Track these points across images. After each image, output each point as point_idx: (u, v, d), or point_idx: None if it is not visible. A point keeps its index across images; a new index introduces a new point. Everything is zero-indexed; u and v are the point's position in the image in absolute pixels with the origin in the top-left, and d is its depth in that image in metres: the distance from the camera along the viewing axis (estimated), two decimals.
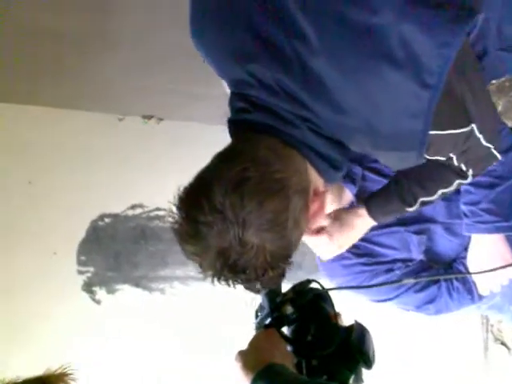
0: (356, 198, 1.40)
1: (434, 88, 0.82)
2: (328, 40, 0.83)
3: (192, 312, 2.35)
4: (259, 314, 1.05)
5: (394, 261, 1.42)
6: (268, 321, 1.00)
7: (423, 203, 1.17)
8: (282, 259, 0.89)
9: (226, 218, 0.82)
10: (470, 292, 1.40)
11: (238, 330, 2.33)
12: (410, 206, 1.18)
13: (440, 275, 1.40)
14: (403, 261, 1.42)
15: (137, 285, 2.30)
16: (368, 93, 0.84)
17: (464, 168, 1.04)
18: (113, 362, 2.23)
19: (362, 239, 1.42)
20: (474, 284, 1.38)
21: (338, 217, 1.24)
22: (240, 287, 0.90)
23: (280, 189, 0.86)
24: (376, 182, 1.37)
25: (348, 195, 1.42)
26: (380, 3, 0.81)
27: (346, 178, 1.38)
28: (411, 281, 1.34)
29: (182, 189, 0.88)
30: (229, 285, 0.89)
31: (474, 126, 0.92)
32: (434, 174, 1.10)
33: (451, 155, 0.99)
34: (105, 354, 2.22)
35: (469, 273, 1.37)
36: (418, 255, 1.42)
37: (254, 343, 0.96)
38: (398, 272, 1.41)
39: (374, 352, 0.95)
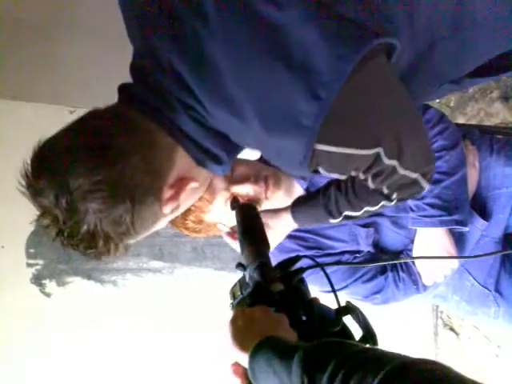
0: (306, 193, 1.41)
1: (324, 102, 0.76)
2: (228, 26, 0.78)
3: (144, 303, 2.33)
4: (243, 291, 0.99)
5: (343, 253, 1.45)
6: (255, 298, 0.94)
7: (347, 217, 1.17)
8: (112, 235, 0.86)
9: (55, 179, 0.81)
10: (415, 282, 1.43)
11: (192, 319, 2.34)
12: (334, 217, 1.18)
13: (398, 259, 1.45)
14: (351, 253, 1.45)
15: (88, 277, 2.25)
16: (257, 90, 0.78)
17: (385, 191, 0.99)
18: (64, 355, 2.20)
19: (312, 232, 1.45)
20: (419, 275, 1.42)
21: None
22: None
23: (115, 162, 0.82)
24: (325, 177, 1.38)
25: (298, 190, 1.42)
26: (288, 0, 0.77)
27: None
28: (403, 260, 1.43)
29: None
30: (74, 249, 0.87)
31: (380, 150, 0.84)
32: (362, 190, 1.05)
33: (361, 176, 0.94)
34: (55, 347, 2.18)
35: (413, 257, 1.42)
36: (366, 247, 1.44)
37: (254, 318, 0.87)
38: None
39: None
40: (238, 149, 0.97)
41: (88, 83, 2.01)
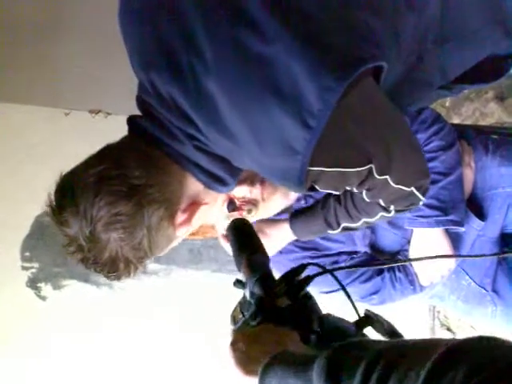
0: (303, 195, 1.41)
1: (314, 130, 0.80)
2: (221, 61, 0.82)
3: (141, 306, 2.32)
4: (244, 313, 0.87)
5: (340, 253, 1.44)
6: (259, 317, 0.82)
7: (345, 228, 1.21)
8: (132, 259, 0.93)
9: (79, 212, 0.87)
10: (412, 283, 1.43)
11: (189, 322, 2.34)
12: (333, 229, 1.23)
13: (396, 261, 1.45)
14: (348, 253, 1.45)
15: (85, 280, 2.25)
16: (252, 121, 0.83)
17: (383, 203, 1.03)
18: (58, 358, 2.20)
19: None
20: (416, 275, 1.42)
21: (259, 227, 1.27)
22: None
23: (133, 195, 0.89)
24: None
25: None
26: (274, 34, 0.80)
27: None
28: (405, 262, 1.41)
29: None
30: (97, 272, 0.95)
31: (371, 166, 0.89)
32: (361, 202, 1.09)
33: (355, 190, 0.99)
34: (50, 350, 2.18)
35: (410, 259, 1.42)
36: (362, 248, 1.44)
37: (258, 337, 0.76)
38: (342, 264, 1.42)
39: None
40: (240, 170, 1.02)
41: (83, 85, 2.00)
